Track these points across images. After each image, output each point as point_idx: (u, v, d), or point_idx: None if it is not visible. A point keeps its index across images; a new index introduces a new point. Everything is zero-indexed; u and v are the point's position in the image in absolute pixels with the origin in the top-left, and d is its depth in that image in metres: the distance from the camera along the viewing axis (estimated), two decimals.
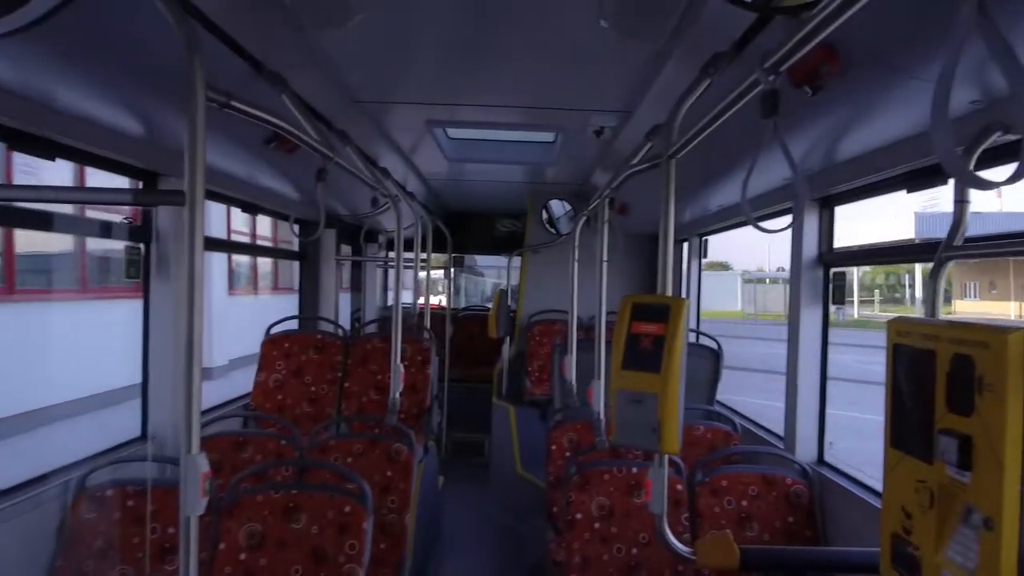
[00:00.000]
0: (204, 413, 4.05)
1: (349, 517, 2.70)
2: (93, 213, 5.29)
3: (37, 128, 2.45)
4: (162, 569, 2.68)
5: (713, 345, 4.66)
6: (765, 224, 2.26)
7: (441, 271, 9.43)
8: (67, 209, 3.28)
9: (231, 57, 2.32)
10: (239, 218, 12.29)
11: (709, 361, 4.55)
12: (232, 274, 14.22)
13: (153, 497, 2.77)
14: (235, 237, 12.56)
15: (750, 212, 1.79)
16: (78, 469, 2.84)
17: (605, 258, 3.66)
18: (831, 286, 3.28)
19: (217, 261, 12.48)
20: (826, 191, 3.10)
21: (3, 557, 2.47)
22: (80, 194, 2.39)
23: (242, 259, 14.84)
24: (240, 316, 12.32)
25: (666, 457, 2.21)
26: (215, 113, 2.38)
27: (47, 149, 2.64)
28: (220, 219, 11.76)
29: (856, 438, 6.96)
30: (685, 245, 5.82)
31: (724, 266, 37.60)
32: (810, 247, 3.28)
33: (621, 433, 2.07)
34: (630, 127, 3.66)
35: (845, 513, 2.88)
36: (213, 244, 3.47)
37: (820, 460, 3.28)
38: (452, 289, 8.07)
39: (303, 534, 2.68)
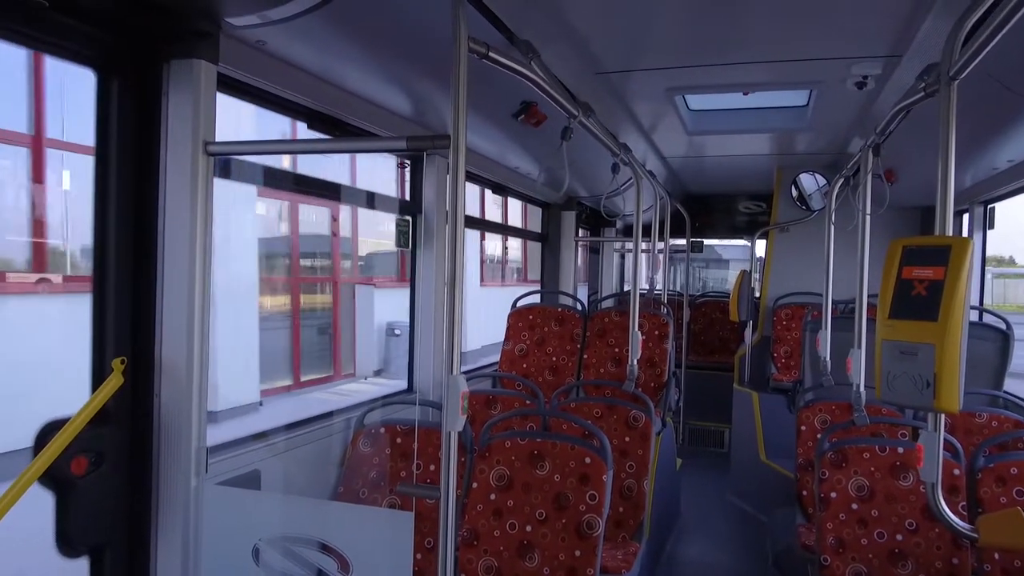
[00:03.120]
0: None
1: (589, 468, 2.77)
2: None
3: (327, 107, 2.84)
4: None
5: (1001, 325, 4.02)
6: None
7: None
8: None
9: (488, 28, 2.49)
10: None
11: (995, 343, 3.94)
12: (483, 266, 15.40)
13: (418, 436, 3.10)
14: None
15: None
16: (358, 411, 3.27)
17: (868, 211, 3.32)
18: None
19: (471, 255, 13.64)
20: None
21: (303, 475, 2.92)
22: (361, 143, 2.73)
23: (493, 253, 15.99)
24: (489, 303, 13.28)
25: (942, 420, 1.96)
26: (471, 85, 2.59)
27: (336, 128, 3.06)
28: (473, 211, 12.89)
29: None
30: (965, 217, 5.08)
31: None
32: None
33: (888, 390, 1.87)
34: (898, 76, 3.27)
35: None
36: (467, 221, 3.77)
37: None
38: (689, 273, 7.87)
39: (547, 480, 2.81)
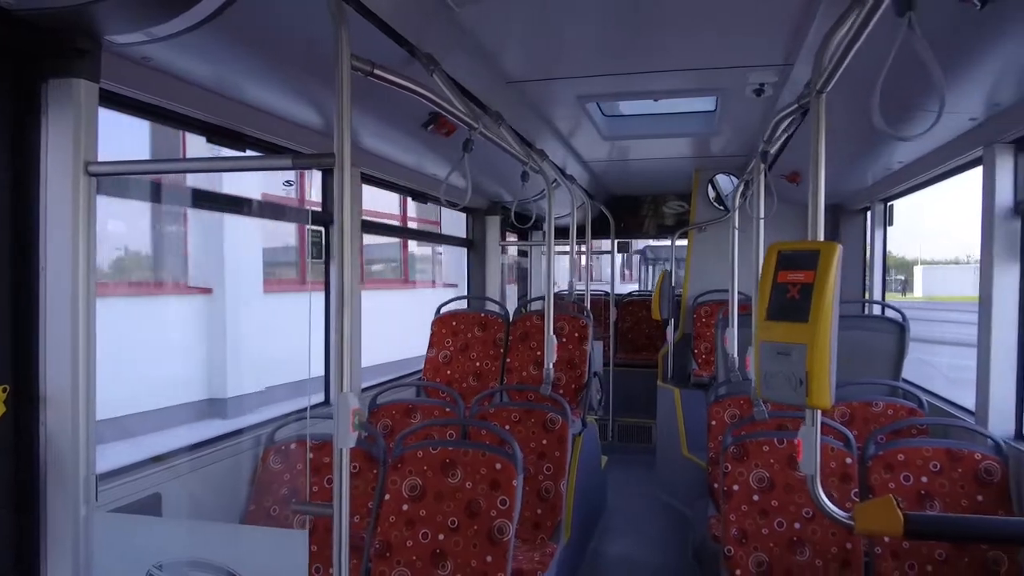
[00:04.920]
0: (379, 385, 4.39)
1: (500, 474, 2.81)
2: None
3: (221, 120, 2.79)
4: None
5: (898, 318, 4.24)
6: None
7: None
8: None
9: (387, 43, 2.49)
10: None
11: (893, 335, 4.15)
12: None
13: (328, 451, 3.06)
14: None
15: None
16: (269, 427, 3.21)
17: (761, 215, 3.46)
18: None
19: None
20: (1020, 131, 2.72)
21: (209, 497, 2.85)
22: (247, 162, 2.69)
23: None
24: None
25: (818, 415, 2.06)
26: (379, 97, 2.57)
27: (238, 141, 3.01)
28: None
29: None
30: (867, 214, 5.34)
31: None
32: (1004, 196, 2.88)
33: (766, 387, 1.96)
34: (792, 83, 3.43)
35: None
36: (385, 229, 3.76)
37: (1018, 435, 2.88)
38: (615, 273, 8.02)
39: (458, 488, 2.83)
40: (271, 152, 3.25)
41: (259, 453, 3.08)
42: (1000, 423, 2.90)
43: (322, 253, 3.84)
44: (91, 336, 2.04)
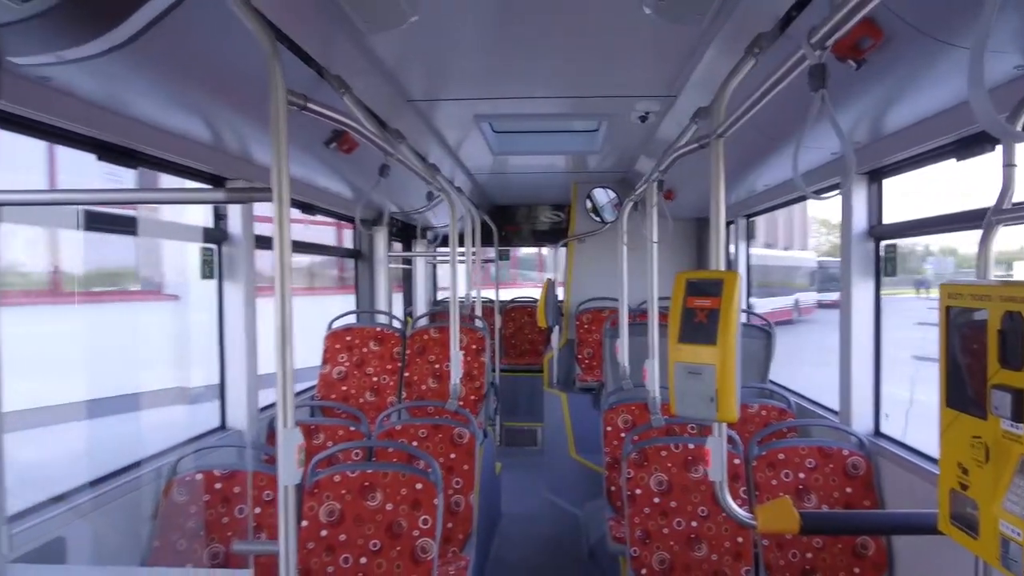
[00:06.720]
0: (267, 408, 4.27)
1: (421, 494, 2.85)
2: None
3: (124, 139, 2.65)
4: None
5: (765, 326, 4.69)
6: (812, 202, 2.31)
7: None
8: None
9: (298, 64, 2.48)
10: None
11: (761, 340, 4.59)
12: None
13: (236, 480, 2.98)
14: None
15: (804, 186, 1.85)
16: (166, 457, 3.06)
17: (655, 239, 3.73)
18: (882, 259, 3.31)
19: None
20: (873, 164, 3.13)
21: (113, 536, 2.69)
22: (176, 195, 2.57)
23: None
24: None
25: (724, 427, 2.30)
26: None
27: (130, 159, 2.85)
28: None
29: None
30: (732, 227, 5.84)
31: None
32: (860, 221, 3.30)
33: (680, 404, 2.15)
34: (675, 111, 3.72)
35: (904, 482, 2.92)
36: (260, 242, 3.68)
37: (877, 432, 3.31)
38: (499, 281, 8.22)
39: (378, 510, 2.85)
40: (160, 168, 3.11)
41: (160, 486, 2.93)
42: (862, 422, 3.32)
43: (213, 272, 3.69)
44: None
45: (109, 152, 2.66)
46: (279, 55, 1.82)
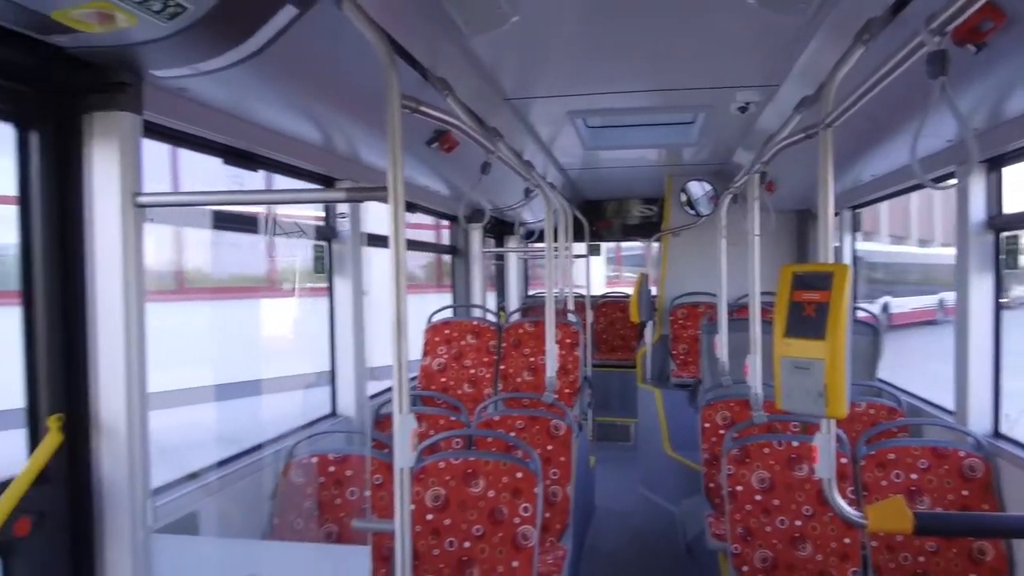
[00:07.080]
0: (375, 396, 4.47)
1: (521, 482, 2.93)
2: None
3: (248, 144, 2.86)
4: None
5: (873, 321, 4.51)
6: (945, 194, 2.22)
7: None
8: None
9: (405, 68, 2.59)
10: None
11: (869, 338, 4.41)
12: None
13: (348, 464, 3.15)
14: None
15: (923, 174, 1.79)
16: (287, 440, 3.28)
17: (757, 232, 3.66)
18: (1003, 251, 3.13)
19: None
20: (992, 151, 2.96)
21: (238, 513, 2.91)
22: (299, 195, 2.75)
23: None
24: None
25: (832, 424, 2.25)
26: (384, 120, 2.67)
27: (252, 162, 3.07)
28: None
29: None
30: (837, 219, 5.63)
31: None
32: (977, 211, 3.14)
33: (787, 400, 2.12)
34: (776, 101, 3.63)
35: None
36: (381, 240, 3.86)
37: (996, 433, 3.14)
38: (590, 276, 8.22)
39: (481, 496, 2.95)
40: (273, 170, 3.31)
41: (279, 468, 3.14)
42: (979, 422, 3.15)
43: (324, 267, 3.90)
44: (143, 360, 2.10)
45: (234, 156, 2.87)
46: (396, 64, 1.93)
